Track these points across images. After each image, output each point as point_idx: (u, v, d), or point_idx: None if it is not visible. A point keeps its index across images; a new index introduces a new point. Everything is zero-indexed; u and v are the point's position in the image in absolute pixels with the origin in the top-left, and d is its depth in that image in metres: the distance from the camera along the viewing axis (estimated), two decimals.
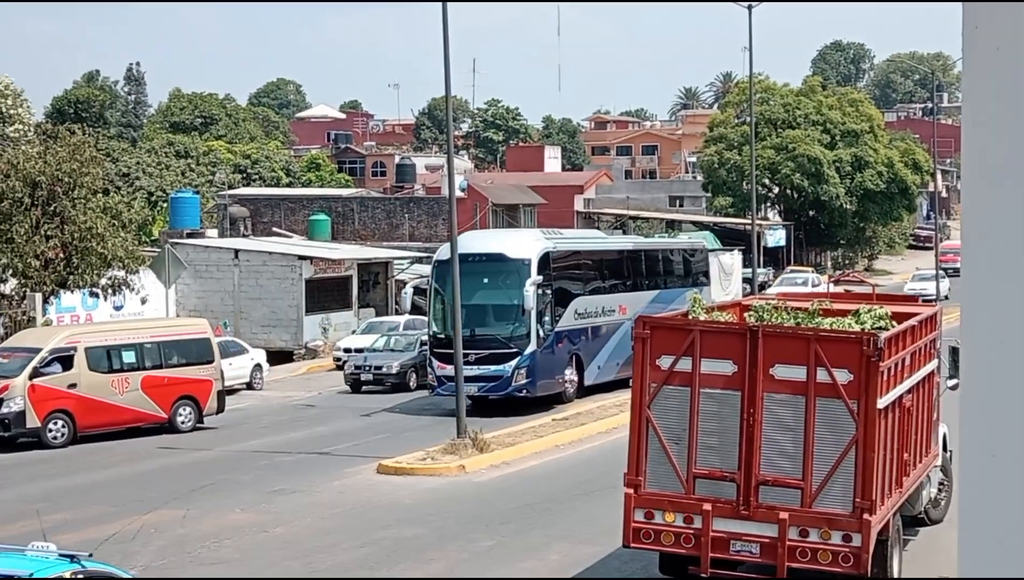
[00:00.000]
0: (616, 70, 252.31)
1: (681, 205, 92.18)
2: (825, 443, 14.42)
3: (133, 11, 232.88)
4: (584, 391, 33.03)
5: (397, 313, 45.18)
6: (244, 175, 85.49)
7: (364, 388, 36.50)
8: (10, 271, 35.42)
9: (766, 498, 14.59)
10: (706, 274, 41.66)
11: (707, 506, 14.71)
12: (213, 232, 58.61)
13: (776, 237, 76.71)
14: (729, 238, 73.21)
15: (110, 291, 37.13)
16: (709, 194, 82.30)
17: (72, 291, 36.96)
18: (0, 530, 20.32)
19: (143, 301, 39.30)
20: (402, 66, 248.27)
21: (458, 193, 34.06)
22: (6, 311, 35.41)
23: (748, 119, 65.91)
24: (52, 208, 35.58)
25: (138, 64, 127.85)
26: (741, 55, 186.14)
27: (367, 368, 36.51)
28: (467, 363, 28.94)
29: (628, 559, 17.03)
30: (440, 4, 26.12)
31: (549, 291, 31.37)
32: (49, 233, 35.48)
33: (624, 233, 67.67)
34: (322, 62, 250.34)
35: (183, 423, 30.64)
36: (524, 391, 30.56)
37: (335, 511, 21.36)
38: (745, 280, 60.71)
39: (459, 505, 21.74)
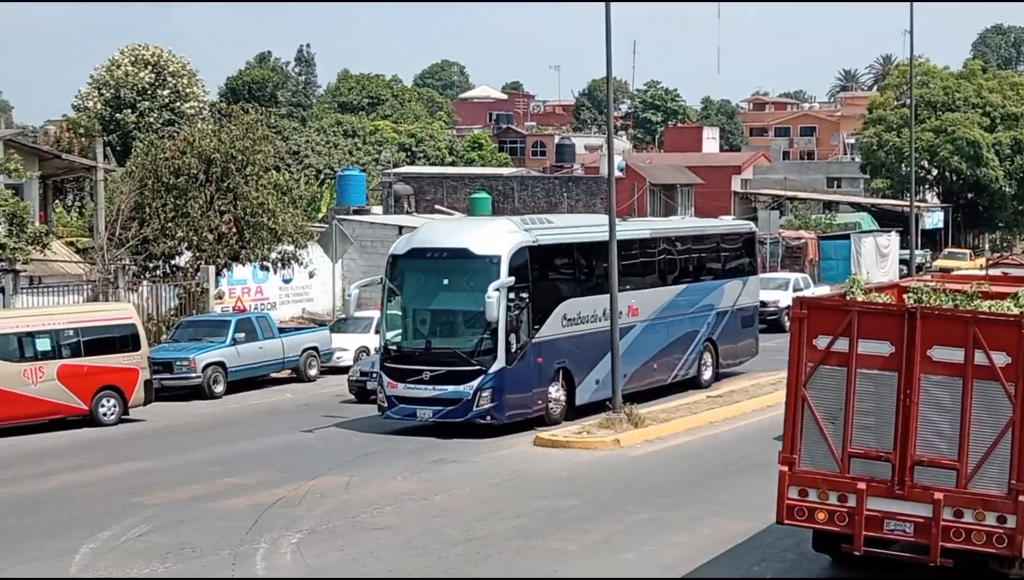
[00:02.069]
0: (775, 52, 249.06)
1: (839, 186, 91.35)
2: (981, 425, 14.45)
3: None
4: (577, 411, 27.47)
5: None
6: (409, 154, 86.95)
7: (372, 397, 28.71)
8: (185, 244, 36.81)
9: (921, 478, 14.67)
10: (752, 264, 35.24)
11: (862, 485, 14.84)
12: (378, 209, 59.78)
13: (934, 219, 76.25)
14: (886, 220, 72.98)
15: (280, 265, 38.35)
16: (867, 176, 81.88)
17: (243, 264, 38.29)
18: (179, 491, 21.34)
19: (311, 275, 40.46)
20: (563, 48, 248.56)
21: (616, 173, 33.23)
22: (181, 283, 36.82)
23: (908, 102, 65.22)
24: (226, 184, 36.87)
25: (308, 46, 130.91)
26: (901, 38, 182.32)
27: (374, 375, 28.54)
28: (421, 382, 25.84)
29: (781, 535, 17.22)
30: None
31: (526, 295, 26.05)
32: (223, 208, 36.81)
33: (781, 214, 67.03)
34: (485, 44, 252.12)
35: (106, 416, 28.09)
36: (488, 417, 25.62)
37: (493, 481, 21.89)
38: (902, 262, 60.33)
39: (613, 478, 22.12)
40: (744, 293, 34.00)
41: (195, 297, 36.62)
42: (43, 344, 27.54)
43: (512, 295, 25.67)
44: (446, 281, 26.40)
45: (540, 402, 26.62)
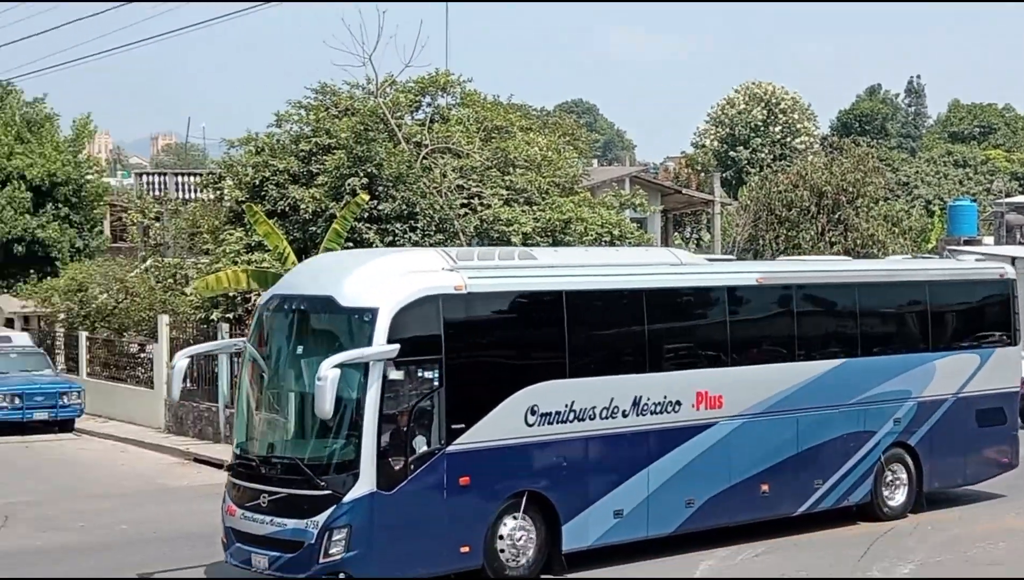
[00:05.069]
0: None
1: None
2: None
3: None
4: (576, 560, 17.46)
5: None
6: (1022, 183, 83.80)
7: None
8: None
9: None
10: (1005, 329, 22.87)
11: None
12: (989, 240, 58.18)
13: None
14: None
15: None
16: None
17: None
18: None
19: None
20: None
21: None
22: None
23: None
24: (836, 216, 37.65)
25: (918, 76, 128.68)
26: None
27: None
28: (259, 510, 16.24)
29: None
30: None
31: (435, 373, 16.00)
32: (833, 239, 37.59)
33: None
34: None
35: None
36: (340, 573, 15.64)
37: None
38: None
39: None
40: (986, 373, 22.38)
41: None
42: None
43: (400, 375, 15.84)
44: (301, 348, 16.69)
45: (468, 547, 16.39)
